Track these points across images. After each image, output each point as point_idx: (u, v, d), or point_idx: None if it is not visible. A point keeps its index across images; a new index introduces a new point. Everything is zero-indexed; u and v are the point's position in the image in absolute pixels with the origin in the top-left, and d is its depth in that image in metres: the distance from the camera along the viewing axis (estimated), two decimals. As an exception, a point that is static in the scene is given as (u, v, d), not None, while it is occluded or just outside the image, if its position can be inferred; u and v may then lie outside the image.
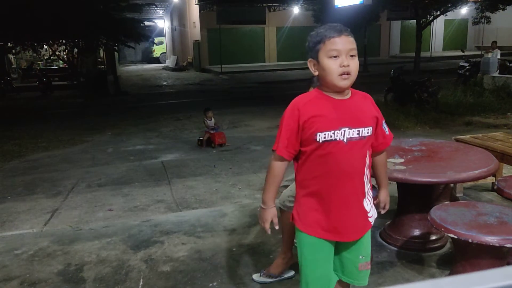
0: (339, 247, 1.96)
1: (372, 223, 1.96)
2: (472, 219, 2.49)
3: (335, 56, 1.73)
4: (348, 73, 1.73)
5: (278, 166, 1.89)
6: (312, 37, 1.80)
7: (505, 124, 8.14)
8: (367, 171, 1.87)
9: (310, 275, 1.93)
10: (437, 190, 3.36)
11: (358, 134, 1.78)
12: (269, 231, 1.97)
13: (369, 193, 1.92)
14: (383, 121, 1.94)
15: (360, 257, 1.96)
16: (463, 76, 12.85)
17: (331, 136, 1.75)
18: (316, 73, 1.81)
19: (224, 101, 12.59)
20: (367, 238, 1.97)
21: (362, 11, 11.57)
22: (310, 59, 1.82)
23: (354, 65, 1.75)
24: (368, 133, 1.81)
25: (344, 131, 1.76)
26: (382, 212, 2.11)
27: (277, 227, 2.00)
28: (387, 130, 1.97)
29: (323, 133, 1.75)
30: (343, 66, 1.72)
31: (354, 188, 1.84)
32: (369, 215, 1.92)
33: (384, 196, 2.11)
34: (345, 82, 1.75)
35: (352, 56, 1.75)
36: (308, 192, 1.87)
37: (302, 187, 1.89)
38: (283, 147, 1.83)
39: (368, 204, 1.90)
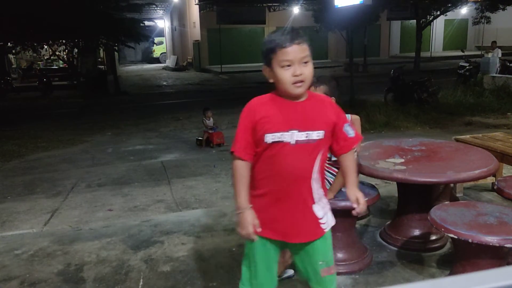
0: (297, 251, 1.96)
1: (327, 230, 1.92)
2: (472, 219, 2.49)
3: (288, 65, 1.73)
4: (302, 81, 1.75)
5: (240, 167, 1.84)
6: (265, 45, 1.79)
7: (505, 124, 8.15)
8: (316, 175, 1.85)
9: (247, 268, 1.98)
10: (437, 190, 3.36)
11: (306, 137, 1.78)
12: (255, 237, 1.85)
13: (321, 199, 1.90)
14: (346, 124, 1.91)
15: (320, 262, 1.94)
16: (463, 76, 12.86)
17: (279, 138, 1.77)
18: (271, 80, 1.82)
19: (224, 101, 12.59)
20: (323, 244, 1.94)
21: (362, 11, 11.53)
22: (264, 66, 1.82)
23: (307, 72, 1.76)
24: (318, 136, 1.80)
25: (293, 133, 1.77)
26: (357, 209, 1.88)
27: (259, 230, 1.84)
28: (351, 132, 1.91)
29: (272, 134, 1.76)
30: (296, 75, 1.73)
31: (300, 191, 1.84)
32: (321, 221, 1.90)
33: (351, 192, 1.91)
34: (299, 90, 1.77)
35: (305, 62, 1.75)
36: (257, 193, 1.88)
37: (252, 187, 1.89)
38: (241, 148, 1.82)
39: (320, 210, 1.89)
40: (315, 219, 1.88)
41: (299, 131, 1.77)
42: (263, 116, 1.78)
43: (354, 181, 1.95)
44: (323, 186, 1.92)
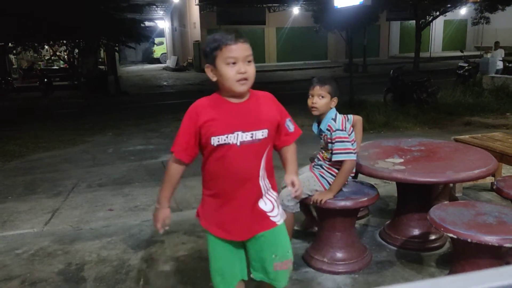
0: (252, 247, 1.97)
1: (278, 222, 1.95)
2: (471, 219, 2.50)
3: (233, 63, 1.76)
4: (246, 79, 1.78)
5: (175, 169, 1.92)
6: (208, 43, 1.81)
7: (504, 124, 8.15)
8: (263, 173, 1.88)
9: (211, 266, 2.02)
10: (436, 190, 3.37)
11: (251, 137, 1.81)
12: (161, 231, 1.98)
13: (268, 192, 1.93)
14: (288, 119, 1.96)
15: (273, 255, 1.96)
16: (462, 77, 12.87)
17: (224, 140, 1.79)
18: (215, 79, 1.84)
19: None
20: (275, 236, 1.95)
21: (361, 11, 11.55)
22: (207, 64, 1.84)
23: (251, 70, 1.80)
24: (263, 135, 1.83)
25: (238, 134, 1.80)
26: (293, 194, 1.92)
27: (167, 228, 1.99)
28: (291, 127, 1.97)
29: (217, 137, 1.79)
30: (241, 73, 1.76)
31: (248, 191, 1.87)
32: (271, 214, 1.93)
33: (288, 177, 1.94)
34: (243, 88, 1.80)
35: (249, 61, 1.79)
36: (208, 193, 1.93)
37: (204, 187, 1.96)
38: (181, 150, 1.86)
39: (267, 203, 1.92)
40: (263, 213, 1.92)
41: (244, 131, 1.80)
42: (207, 119, 1.80)
43: (293, 170, 1.99)
44: (270, 179, 1.94)
